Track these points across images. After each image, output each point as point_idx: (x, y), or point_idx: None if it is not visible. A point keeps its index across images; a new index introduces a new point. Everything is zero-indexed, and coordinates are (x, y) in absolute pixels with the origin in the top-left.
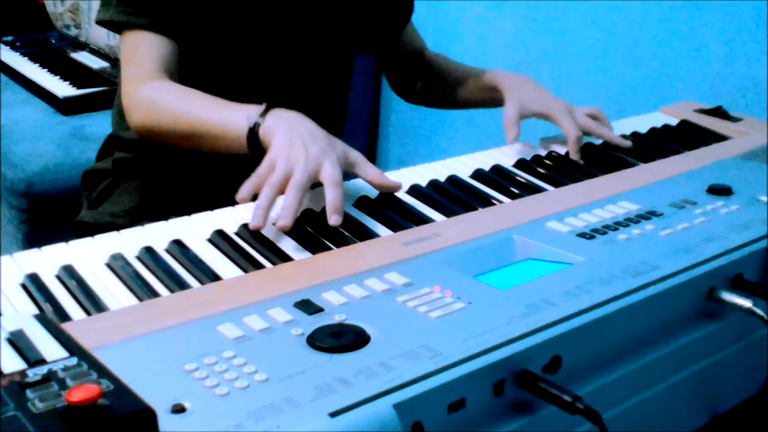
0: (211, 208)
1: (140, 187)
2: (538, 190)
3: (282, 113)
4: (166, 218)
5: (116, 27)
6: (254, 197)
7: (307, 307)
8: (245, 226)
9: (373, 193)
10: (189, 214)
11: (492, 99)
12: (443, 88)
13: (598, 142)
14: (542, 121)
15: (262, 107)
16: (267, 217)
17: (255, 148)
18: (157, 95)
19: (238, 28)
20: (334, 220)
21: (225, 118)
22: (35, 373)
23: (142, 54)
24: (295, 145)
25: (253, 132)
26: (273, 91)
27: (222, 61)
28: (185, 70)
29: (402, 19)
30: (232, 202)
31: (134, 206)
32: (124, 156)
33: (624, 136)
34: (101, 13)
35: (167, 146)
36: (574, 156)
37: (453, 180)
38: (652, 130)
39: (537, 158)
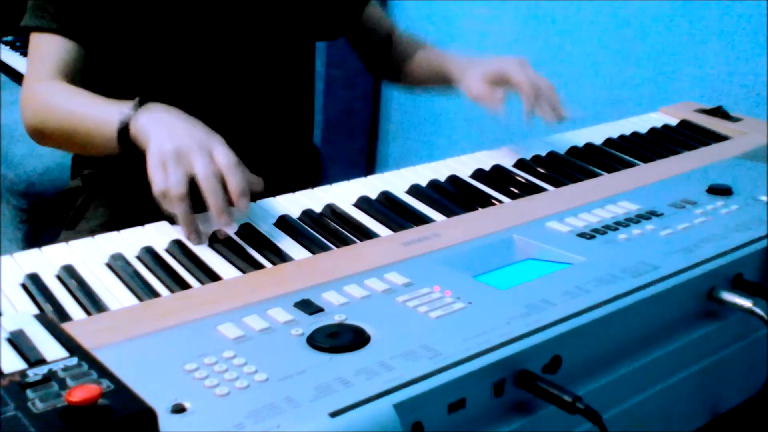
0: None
1: (111, 202)
2: (538, 190)
3: (154, 108)
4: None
5: (26, 32)
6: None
7: (307, 307)
8: (245, 226)
9: (373, 193)
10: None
11: (450, 85)
12: (408, 71)
13: (599, 142)
14: (540, 121)
15: (134, 102)
16: (200, 230)
17: (126, 145)
18: (46, 95)
19: (182, 24)
20: (243, 204)
21: (99, 113)
22: (35, 373)
23: (44, 55)
24: (177, 140)
25: (125, 128)
26: (230, 88)
27: (173, 57)
28: (129, 77)
29: (357, 4)
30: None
31: (109, 221)
32: (92, 172)
33: (622, 137)
34: (23, 20)
35: (131, 157)
36: (529, 112)
37: (453, 180)
38: (652, 130)
39: (537, 158)
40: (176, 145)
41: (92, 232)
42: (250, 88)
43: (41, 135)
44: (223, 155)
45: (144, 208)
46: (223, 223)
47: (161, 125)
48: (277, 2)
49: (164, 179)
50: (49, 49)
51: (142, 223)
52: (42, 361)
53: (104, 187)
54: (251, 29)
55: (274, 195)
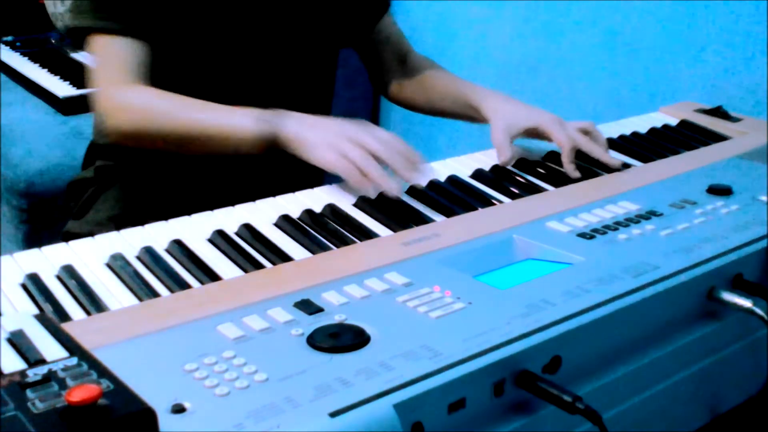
0: (191, 212)
1: (122, 194)
2: (538, 190)
3: (288, 112)
4: (150, 222)
5: (85, 33)
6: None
7: (307, 307)
8: (245, 226)
9: (373, 192)
10: (172, 217)
11: (474, 118)
12: (424, 96)
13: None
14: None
15: (268, 109)
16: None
17: (268, 147)
18: (148, 100)
19: (216, 28)
20: (422, 169)
21: (231, 120)
22: (35, 373)
23: (118, 58)
24: (340, 131)
25: (266, 132)
26: (254, 89)
27: (204, 61)
28: (164, 72)
29: (377, 9)
30: (211, 206)
31: (117, 213)
32: (106, 164)
33: (622, 137)
34: (73, 19)
35: (148, 152)
36: (569, 167)
37: (453, 180)
38: (652, 130)
39: (537, 158)
40: (342, 134)
41: (99, 224)
42: (281, 86)
43: (137, 139)
44: (387, 134)
45: (153, 204)
46: (413, 179)
47: (311, 124)
48: (301, 9)
49: (346, 161)
50: (120, 51)
51: (149, 218)
52: (42, 361)
53: (116, 180)
54: (285, 31)
55: (283, 192)
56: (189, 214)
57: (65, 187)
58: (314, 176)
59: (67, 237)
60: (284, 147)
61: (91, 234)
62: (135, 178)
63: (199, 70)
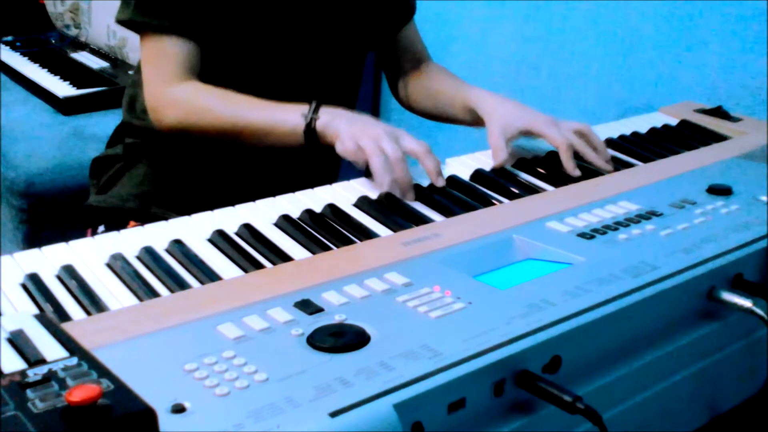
0: (217, 193)
1: (150, 172)
2: (538, 190)
3: (334, 108)
4: (173, 202)
5: (136, 27)
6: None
7: (307, 307)
8: (245, 226)
9: (373, 193)
10: (196, 198)
11: (476, 122)
12: (432, 102)
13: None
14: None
15: (312, 105)
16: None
17: (311, 141)
18: (194, 96)
19: (251, 28)
20: (441, 182)
21: (275, 116)
22: (35, 373)
23: (167, 56)
24: (365, 129)
25: (310, 127)
26: (287, 87)
27: (235, 60)
28: (203, 69)
29: (401, 16)
30: (237, 188)
31: (143, 191)
32: (135, 141)
33: (622, 137)
34: (121, 12)
35: (178, 135)
36: (569, 165)
37: (453, 180)
38: (652, 130)
39: (537, 158)
40: (368, 132)
41: (123, 199)
42: (312, 84)
43: (188, 131)
44: (415, 142)
45: (178, 184)
46: (410, 198)
47: (349, 120)
48: (332, 10)
49: (360, 155)
50: (170, 49)
51: (173, 198)
52: (42, 361)
53: (143, 158)
54: (317, 32)
55: (302, 183)
56: (213, 196)
57: (65, 187)
58: (331, 172)
59: (88, 211)
60: (321, 138)
61: (114, 208)
62: (163, 158)
63: (234, 71)
